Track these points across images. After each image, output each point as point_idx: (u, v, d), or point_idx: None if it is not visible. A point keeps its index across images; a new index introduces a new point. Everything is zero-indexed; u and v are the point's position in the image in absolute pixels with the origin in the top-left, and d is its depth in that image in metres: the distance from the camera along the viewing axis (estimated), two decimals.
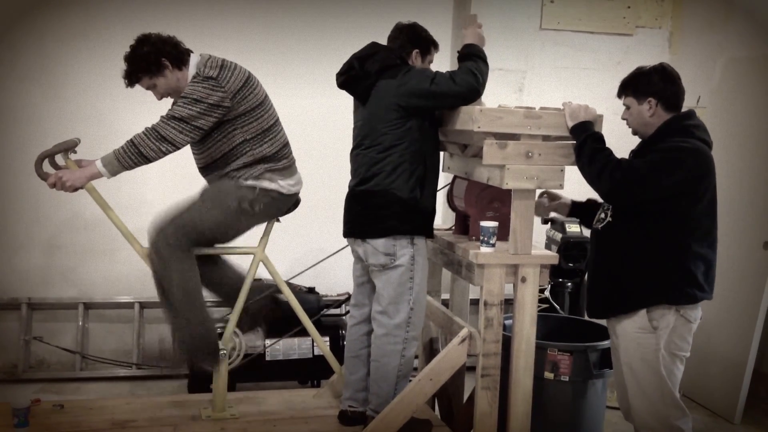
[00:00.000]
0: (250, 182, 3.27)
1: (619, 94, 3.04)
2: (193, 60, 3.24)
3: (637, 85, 2.96)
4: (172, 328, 3.33)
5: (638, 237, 2.90)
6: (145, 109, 3.48)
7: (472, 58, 3.14)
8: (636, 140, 3.09)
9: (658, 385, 2.92)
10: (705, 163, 2.85)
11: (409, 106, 3.08)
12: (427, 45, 3.30)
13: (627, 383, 3.02)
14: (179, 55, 3.21)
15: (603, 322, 3.28)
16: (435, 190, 3.27)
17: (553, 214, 3.52)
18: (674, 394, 2.94)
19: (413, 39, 3.27)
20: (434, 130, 3.25)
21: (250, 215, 3.29)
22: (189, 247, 3.22)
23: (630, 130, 3.06)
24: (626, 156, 3.07)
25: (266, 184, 3.29)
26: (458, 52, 3.22)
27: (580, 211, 3.38)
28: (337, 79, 3.29)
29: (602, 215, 3.06)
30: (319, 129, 4.83)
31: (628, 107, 3.01)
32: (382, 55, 3.19)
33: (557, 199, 3.39)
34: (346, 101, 3.36)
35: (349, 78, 3.22)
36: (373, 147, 3.15)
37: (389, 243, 3.12)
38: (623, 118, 3.04)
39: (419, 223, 3.18)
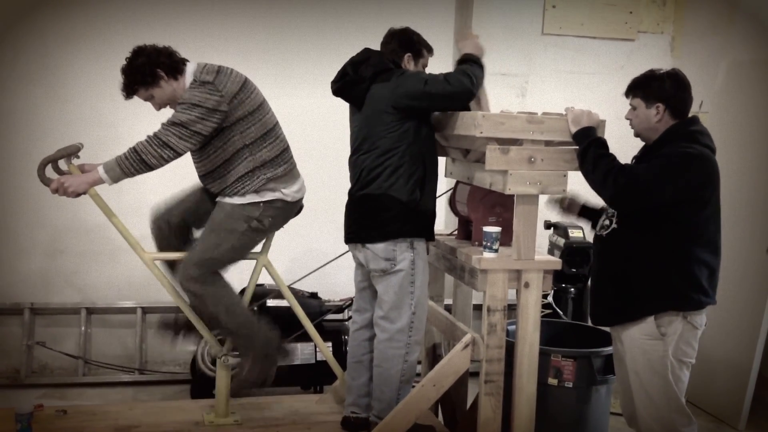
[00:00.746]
0: (251, 197, 3.27)
1: (627, 94, 3.00)
2: (190, 68, 3.25)
3: (648, 88, 2.92)
4: (240, 350, 3.38)
5: (643, 243, 2.89)
6: (145, 110, 3.48)
7: (468, 63, 3.16)
8: (638, 143, 3.08)
9: (665, 391, 2.91)
10: (709, 169, 2.84)
11: (404, 107, 3.10)
12: (419, 48, 3.31)
13: (633, 390, 3.00)
14: (174, 65, 3.22)
15: (607, 328, 3.27)
16: (435, 192, 3.27)
17: (557, 219, 3.49)
18: (681, 400, 2.93)
19: (404, 43, 3.29)
20: (431, 132, 3.26)
21: (262, 231, 3.34)
22: (215, 275, 3.27)
23: (632, 130, 3.03)
24: (629, 160, 3.06)
25: (269, 195, 3.30)
26: (456, 61, 3.23)
27: (592, 214, 3.36)
28: (331, 87, 3.30)
29: (606, 222, 3.05)
30: (319, 129, 4.82)
31: (634, 108, 2.97)
32: (376, 59, 3.21)
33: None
34: (345, 102, 3.37)
35: (344, 84, 3.24)
36: (371, 151, 3.15)
37: (389, 248, 3.12)
38: (627, 118, 3.01)
39: (420, 225, 3.19)
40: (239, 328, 3.32)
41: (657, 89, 2.90)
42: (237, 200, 3.28)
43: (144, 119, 3.63)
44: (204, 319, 3.37)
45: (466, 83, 3.06)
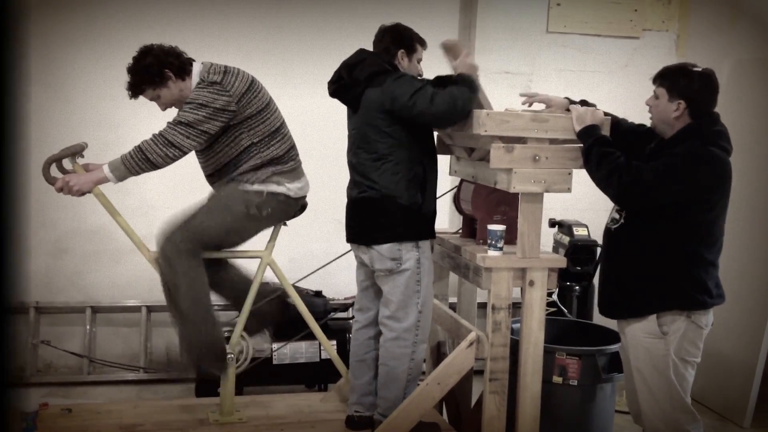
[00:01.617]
0: (257, 187, 3.27)
1: (655, 80, 2.92)
2: (196, 68, 3.26)
3: (676, 82, 2.84)
4: (180, 334, 3.33)
5: (649, 241, 2.88)
6: (146, 110, 3.49)
7: (459, 84, 3.06)
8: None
9: (668, 390, 2.89)
10: (720, 172, 2.79)
11: (393, 114, 3.07)
12: (411, 43, 3.27)
13: (637, 388, 2.99)
14: (182, 66, 3.23)
15: (612, 323, 3.26)
16: (435, 193, 3.26)
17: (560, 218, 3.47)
18: (684, 399, 2.91)
19: (396, 39, 3.25)
20: (428, 132, 3.24)
21: (259, 219, 3.30)
22: (198, 253, 3.23)
23: (648, 116, 2.98)
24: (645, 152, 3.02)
25: (273, 187, 3.30)
26: (452, 79, 3.14)
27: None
28: (328, 88, 3.29)
29: (615, 215, 3.04)
30: (319, 129, 4.81)
31: (657, 97, 2.91)
32: (370, 61, 3.17)
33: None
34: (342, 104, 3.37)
35: (339, 87, 3.22)
36: (369, 155, 3.15)
37: (394, 248, 3.12)
38: (647, 104, 2.96)
39: (423, 227, 3.19)
40: (191, 316, 3.23)
41: (684, 86, 2.83)
42: (241, 186, 3.28)
43: (145, 119, 3.63)
44: (167, 294, 3.29)
45: (450, 107, 2.98)
